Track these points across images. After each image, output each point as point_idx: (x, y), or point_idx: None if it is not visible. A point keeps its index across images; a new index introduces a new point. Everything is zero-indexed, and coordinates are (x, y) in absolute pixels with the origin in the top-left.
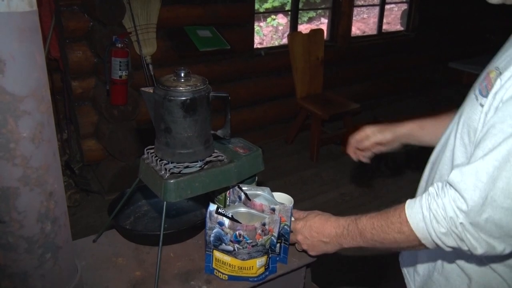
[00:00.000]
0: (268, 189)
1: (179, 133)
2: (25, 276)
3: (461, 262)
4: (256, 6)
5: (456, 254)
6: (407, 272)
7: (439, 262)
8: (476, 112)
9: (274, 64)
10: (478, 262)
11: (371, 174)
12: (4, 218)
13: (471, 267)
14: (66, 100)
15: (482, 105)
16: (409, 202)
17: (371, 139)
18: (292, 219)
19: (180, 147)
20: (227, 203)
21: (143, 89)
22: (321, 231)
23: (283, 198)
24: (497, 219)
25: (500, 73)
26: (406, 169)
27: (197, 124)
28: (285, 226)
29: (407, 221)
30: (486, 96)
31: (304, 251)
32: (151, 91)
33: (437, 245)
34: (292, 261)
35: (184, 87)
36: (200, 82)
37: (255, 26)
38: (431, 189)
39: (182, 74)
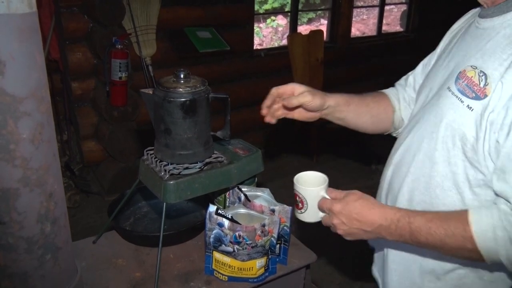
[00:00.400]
0: (267, 190)
1: (179, 134)
2: (25, 276)
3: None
4: (256, 7)
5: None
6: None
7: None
8: (463, 115)
9: (274, 65)
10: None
11: (371, 174)
12: (4, 219)
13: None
14: (66, 101)
15: (470, 108)
16: (474, 217)
17: (299, 98)
18: (327, 196)
19: (180, 148)
20: (227, 204)
21: (142, 90)
22: (363, 219)
23: (315, 176)
24: None
25: (484, 74)
26: None
27: (196, 125)
28: (285, 227)
29: (472, 238)
30: (475, 98)
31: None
32: (151, 92)
33: (503, 263)
34: (292, 262)
35: (183, 88)
36: (199, 83)
37: (254, 27)
38: (503, 206)
39: (182, 75)
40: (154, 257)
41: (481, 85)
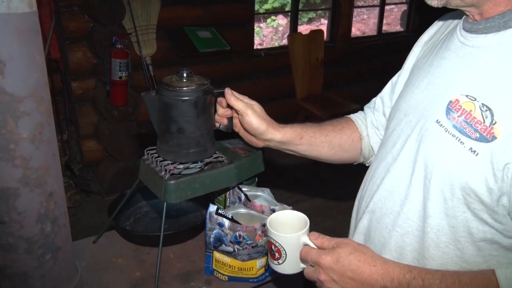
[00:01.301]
0: (268, 190)
1: (193, 132)
2: (25, 276)
3: None
4: (256, 7)
5: None
6: None
7: None
8: (464, 161)
9: (274, 64)
10: None
11: None
12: (4, 218)
13: None
14: (66, 101)
15: (474, 152)
16: (507, 286)
17: (240, 103)
18: (310, 244)
19: (194, 146)
20: (227, 204)
21: (144, 94)
22: (361, 278)
23: (294, 217)
24: None
25: (488, 109)
26: None
27: (207, 121)
28: None
29: None
30: (480, 139)
31: None
32: (154, 94)
33: None
34: None
35: (195, 86)
36: (205, 80)
37: (255, 27)
38: None
39: (185, 74)
40: (154, 257)
41: (487, 123)
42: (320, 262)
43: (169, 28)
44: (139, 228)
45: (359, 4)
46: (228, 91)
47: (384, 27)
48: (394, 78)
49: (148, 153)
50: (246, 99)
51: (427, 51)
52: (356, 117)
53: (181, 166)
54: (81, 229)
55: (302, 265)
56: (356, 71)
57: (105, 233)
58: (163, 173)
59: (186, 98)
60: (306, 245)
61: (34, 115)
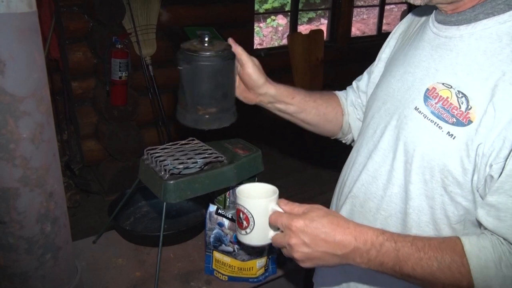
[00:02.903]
0: None
1: (233, 94)
2: (25, 276)
3: None
4: (256, 6)
5: None
6: None
7: None
8: (443, 144)
9: (274, 64)
10: None
11: None
12: (4, 218)
13: None
14: (66, 101)
15: (451, 135)
16: (471, 251)
17: (244, 55)
18: (279, 209)
19: (232, 106)
20: (227, 204)
21: (188, 51)
22: (333, 240)
23: (263, 188)
24: None
25: (464, 95)
26: None
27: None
28: None
29: (469, 273)
30: (457, 124)
31: (292, 258)
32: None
33: None
34: (292, 262)
35: (227, 47)
36: (222, 41)
37: (255, 27)
38: (502, 245)
39: (207, 39)
40: (154, 257)
41: (462, 108)
42: (292, 225)
43: (169, 28)
44: (139, 228)
45: (359, 4)
46: (232, 40)
47: (384, 27)
48: (369, 68)
49: (148, 153)
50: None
51: (402, 43)
52: (340, 94)
53: (181, 166)
54: (81, 229)
55: (271, 234)
56: (356, 70)
57: (105, 233)
58: (162, 173)
59: (231, 60)
60: (276, 211)
61: (34, 115)
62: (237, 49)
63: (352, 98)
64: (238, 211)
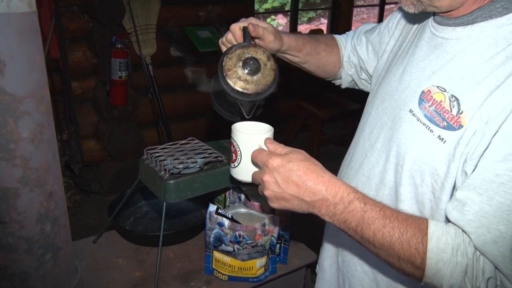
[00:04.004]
0: None
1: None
2: (25, 276)
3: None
4: (256, 6)
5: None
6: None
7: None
8: (433, 148)
9: None
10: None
11: None
12: (4, 218)
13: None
14: (66, 101)
15: (442, 139)
16: (434, 231)
17: (264, 31)
18: (264, 147)
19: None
20: (227, 204)
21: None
22: (304, 185)
23: (260, 127)
24: None
25: (456, 99)
26: None
27: None
28: (285, 227)
29: (425, 253)
30: (447, 128)
31: (262, 195)
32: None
33: None
34: (292, 262)
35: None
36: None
37: None
38: (465, 237)
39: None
40: (154, 257)
41: (453, 112)
42: (269, 162)
43: (169, 28)
44: (139, 228)
45: (359, 3)
46: (251, 26)
47: None
48: (370, 35)
49: (148, 153)
50: (261, 25)
51: (405, 38)
52: (341, 44)
53: (181, 166)
54: (81, 229)
55: (254, 171)
56: None
57: (105, 233)
58: (162, 172)
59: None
60: (260, 148)
61: (34, 115)
62: (258, 31)
63: (349, 54)
64: (231, 144)
